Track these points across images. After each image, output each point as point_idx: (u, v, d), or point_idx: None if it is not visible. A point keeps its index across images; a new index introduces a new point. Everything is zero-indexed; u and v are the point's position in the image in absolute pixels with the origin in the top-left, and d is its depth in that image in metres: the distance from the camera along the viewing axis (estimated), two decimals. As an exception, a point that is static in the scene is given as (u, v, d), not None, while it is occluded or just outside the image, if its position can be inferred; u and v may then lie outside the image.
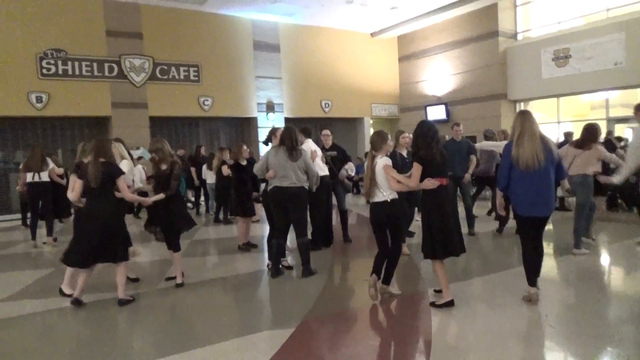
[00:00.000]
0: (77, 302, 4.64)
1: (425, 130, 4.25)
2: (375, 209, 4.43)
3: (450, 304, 4.22)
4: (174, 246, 5.21)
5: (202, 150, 11.89)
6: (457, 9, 14.33)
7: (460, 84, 15.47)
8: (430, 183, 4.14)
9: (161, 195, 5.02)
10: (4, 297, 5.16)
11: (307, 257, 5.52)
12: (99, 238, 4.51)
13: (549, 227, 6.55)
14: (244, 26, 14.72)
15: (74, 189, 4.85)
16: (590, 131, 6.09)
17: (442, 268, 4.27)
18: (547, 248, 6.32)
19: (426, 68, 16.69)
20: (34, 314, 4.56)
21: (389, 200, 4.35)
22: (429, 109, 16.20)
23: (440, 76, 16.12)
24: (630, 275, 5.45)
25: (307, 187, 5.52)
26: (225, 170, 8.65)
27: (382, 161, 4.37)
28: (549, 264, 5.66)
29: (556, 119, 13.81)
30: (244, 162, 7.27)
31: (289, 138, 5.48)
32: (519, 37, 14.63)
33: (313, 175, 5.54)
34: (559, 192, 8.50)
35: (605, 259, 6.28)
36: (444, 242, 4.16)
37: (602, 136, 8.10)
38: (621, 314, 4.09)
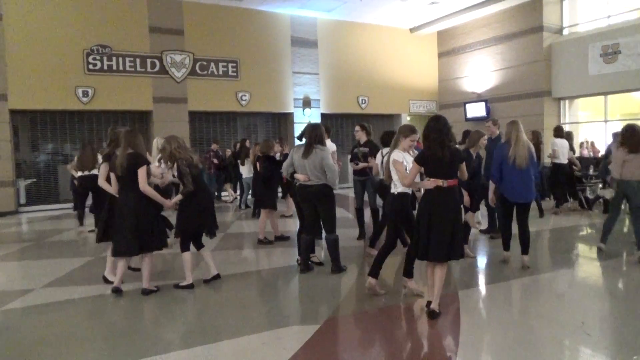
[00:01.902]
0: (116, 290, 4.81)
1: (440, 126, 4.03)
2: (387, 201, 4.69)
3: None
4: (195, 246, 5.20)
5: (247, 144, 11.49)
6: (500, 4, 13.91)
7: (502, 80, 15.04)
8: (429, 183, 4.03)
9: (179, 197, 4.96)
10: (48, 282, 5.42)
11: (336, 254, 5.52)
12: (133, 227, 4.64)
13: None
14: (282, 22, 14.81)
15: (106, 179, 5.02)
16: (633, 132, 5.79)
17: (440, 270, 4.07)
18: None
19: (466, 64, 16.31)
20: (75, 300, 4.77)
21: (395, 193, 4.45)
22: (468, 106, 15.86)
23: (481, 73, 15.72)
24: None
25: (328, 185, 5.36)
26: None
27: (394, 155, 4.40)
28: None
29: (603, 118, 13.23)
30: (275, 155, 7.47)
31: (308, 135, 5.44)
32: (565, 32, 14.07)
33: (331, 173, 5.31)
34: (607, 195, 8.65)
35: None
36: (420, 244, 4.08)
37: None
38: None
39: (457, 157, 4.10)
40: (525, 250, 5.52)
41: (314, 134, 5.38)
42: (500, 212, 5.80)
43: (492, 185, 5.66)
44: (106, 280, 5.25)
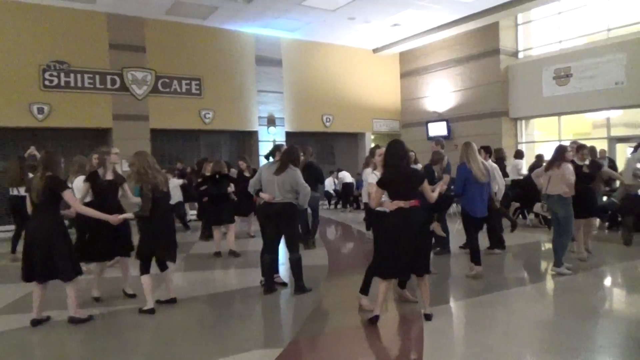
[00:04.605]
0: (36, 323, 4.50)
1: (396, 151, 4.34)
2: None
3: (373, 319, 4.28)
4: (159, 267, 5.06)
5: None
6: (459, 27, 14.39)
7: (462, 101, 15.48)
8: (391, 205, 4.25)
9: (129, 215, 4.83)
10: (-8, 310, 5.11)
11: (299, 274, 5.45)
12: (45, 254, 4.33)
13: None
14: (246, 41, 14.83)
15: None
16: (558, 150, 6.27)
17: (384, 287, 4.33)
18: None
19: (428, 84, 16.73)
20: (17, 330, 4.49)
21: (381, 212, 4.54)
22: (430, 125, 16.21)
23: (442, 93, 16.15)
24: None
25: (295, 204, 5.38)
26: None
27: (369, 177, 4.78)
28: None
29: (557, 137, 13.78)
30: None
31: (286, 154, 5.47)
32: (520, 55, 14.67)
33: (305, 194, 5.38)
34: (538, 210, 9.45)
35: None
36: (389, 264, 4.25)
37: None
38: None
39: (416, 178, 4.34)
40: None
41: (292, 154, 5.46)
42: (466, 228, 6.19)
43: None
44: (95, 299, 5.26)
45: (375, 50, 17.19)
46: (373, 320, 4.28)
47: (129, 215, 4.84)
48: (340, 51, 16.48)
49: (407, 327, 4.39)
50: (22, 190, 7.32)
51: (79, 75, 12.42)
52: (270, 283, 5.54)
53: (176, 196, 10.55)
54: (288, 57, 15.57)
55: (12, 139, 12.38)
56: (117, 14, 12.73)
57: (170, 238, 4.98)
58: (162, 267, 5.02)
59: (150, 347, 4.10)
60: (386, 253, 4.24)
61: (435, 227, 6.51)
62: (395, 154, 4.31)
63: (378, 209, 4.53)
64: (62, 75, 12.21)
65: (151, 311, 4.75)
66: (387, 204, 4.27)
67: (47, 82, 12.04)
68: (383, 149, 4.77)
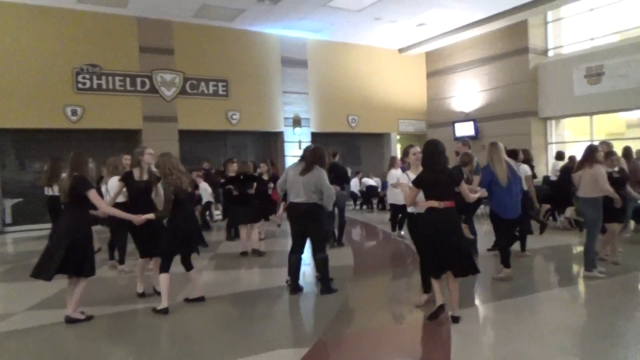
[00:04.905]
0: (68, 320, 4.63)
1: (431, 152, 4.37)
2: None
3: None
4: (184, 267, 5.13)
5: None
6: (486, 26, 14.18)
7: (489, 100, 15.25)
8: (424, 204, 4.34)
9: (150, 215, 4.87)
10: (30, 305, 5.31)
11: (326, 274, 5.48)
12: (66, 251, 4.44)
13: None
14: (272, 42, 14.95)
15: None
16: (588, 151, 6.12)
17: (437, 285, 4.40)
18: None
19: (454, 84, 16.54)
20: (55, 325, 4.64)
21: (414, 213, 4.68)
22: (457, 125, 16.03)
23: (469, 92, 15.94)
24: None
25: (321, 204, 5.39)
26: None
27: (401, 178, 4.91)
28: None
29: (589, 137, 13.44)
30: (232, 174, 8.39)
31: (311, 155, 5.52)
32: (550, 53, 14.36)
33: (329, 195, 5.37)
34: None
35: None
36: (431, 263, 4.36)
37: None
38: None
39: (452, 179, 4.37)
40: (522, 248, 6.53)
41: (317, 155, 5.47)
42: (496, 229, 6.10)
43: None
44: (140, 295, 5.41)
45: (400, 50, 17.10)
46: (438, 314, 4.32)
47: (150, 215, 4.88)
48: (365, 51, 16.45)
49: (433, 328, 4.36)
50: (56, 190, 7.57)
51: (110, 78, 12.76)
52: (296, 283, 5.58)
53: (206, 196, 10.76)
54: (313, 57, 15.63)
55: (48, 140, 12.80)
56: (146, 17, 13.03)
57: (193, 237, 5.02)
58: (187, 267, 5.07)
59: (178, 343, 4.18)
60: (427, 253, 4.36)
61: (463, 229, 6.47)
62: (431, 154, 4.34)
63: (410, 209, 4.59)
64: (94, 78, 12.56)
65: (164, 311, 4.76)
66: (422, 204, 4.32)
67: (80, 85, 12.41)
68: (417, 148, 4.81)
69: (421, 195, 4.40)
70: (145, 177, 5.24)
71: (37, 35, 11.97)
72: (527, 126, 14.09)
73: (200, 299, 5.17)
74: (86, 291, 4.77)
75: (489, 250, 7.50)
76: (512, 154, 7.11)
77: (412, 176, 4.67)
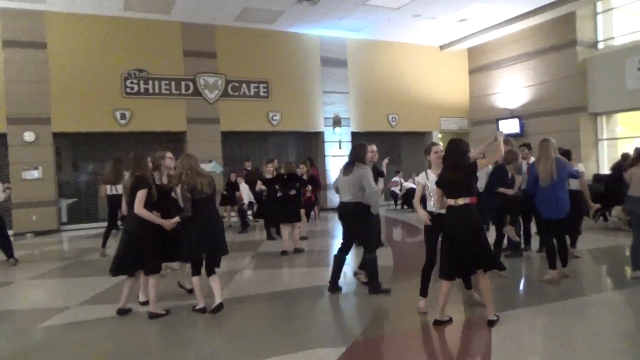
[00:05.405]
0: (122, 312, 4.87)
1: (452, 150, 4.31)
2: None
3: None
4: (206, 271, 4.94)
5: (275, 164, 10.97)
6: (531, 19, 13.72)
7: (535, 96, 14.77)
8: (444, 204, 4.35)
9: (176, 219, 4.85)
10: (83, 300, 5.60)
11: (373, 274, 5.47)
12: (130, 248, 4.71)
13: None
14: (312, 43, 15.06)
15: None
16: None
17: (445, 287, 4.29)
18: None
19: (498, 80, 16.11)
20: (107, 319, 4.89)
21: (434, 213, 4.61)
22: (501, 122, 15.60)
23: (513, 88, 15.49)
24: None
25: (365, 203, 5.35)
26: (259, 185, 9.38)
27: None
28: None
29: (643, 133, 12.80)
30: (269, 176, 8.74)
31: (351, 153, 5.60)
32: (600, 46, 13.75)
33: (370, 193, 5.29)
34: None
35: None
36: (445, 262, 4.26)
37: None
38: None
39: (471, 172, 4.28)
40: (563, 263, 5.81)
41: (356, 153, 5.50)
42: (539, 229, 6.05)
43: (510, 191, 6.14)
44: (189, 292, 5.50)
45: (442, 47, 16.82)
46: (436, 324, 4.26)
47: (177, 218, 4.87)
48: (405, 49, 16.29)
49: (474, 332, 4.30)
50: (119, 189, 7.88)
51: (156, 82, 13.22)
52: (335, 282, 5.59)
53: (247, 197, 10.97)
54: (353, 57, 15.62)
55: (99, 143, 13.43)
56: (190, 22, 13.41)
57: (215, 241, 4.85)
58: (208, 272, 4.88)
59: (219, 340, 4.29)
60: (443, 252, 4.28)
61: (509, 230, 6.34)
62: (452, 153, 4.29)
63: (428, 208, 4.65)
64: (141, 82, 13.06)
65: (202, 310, 4.85)
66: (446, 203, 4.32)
67: (128, 90, 12.93)
68: (439, 147, 4.75)
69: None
70: (164, 180, 5.17)
71: (89, 43, 12.56)
72: (575, 122, 13.56)
73: (219, 307, 4.85)
74: (131, 288, 4.96)
75: (538, 252, 7.28)
76: (565, 154, 6.90)
77: (432, 175, 4.61)
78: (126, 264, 4.77)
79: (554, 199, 5.58)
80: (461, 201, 4.16)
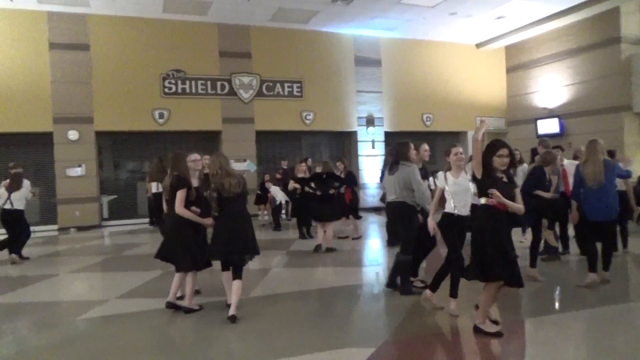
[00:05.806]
0: (170, 306, 4.99)
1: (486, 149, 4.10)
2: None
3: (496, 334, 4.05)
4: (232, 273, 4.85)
5: (309, 163, 11.12)
6: (571, 16, 13.30)
7: (576, 95, 14.30)
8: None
9: (209, 220, 4.84)
10: (122, 293, 5.81)
11: (406, 275, 5.45)
12: (172, 245, 4.92)
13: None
14: (345, 42, 15.05)
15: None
16: None
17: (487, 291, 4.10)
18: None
19: (537, 79, 15.68)
20: (144, 312, 5.06)
21: (454, 214, 4.57)
22: (539, 122, 15.19)
23: (553, 87, 15.04)
24: None
25: (410, 203, 5.31)
26: (291, 184, 9.49)
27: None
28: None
29: (693, 133, 12.21)
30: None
31: (394, 152, 5.56)
32: (647, 42, 13.19)
33: (418, 192, 5.24)
34: None
35: None
36: (479, 264, 4.02)
37: None
38: None
39: (472, 177, 4.19)
40: (606, 266, 5.58)
41: (399, 151, 5.46)
42: (583, 232, 5.82)
43: (573, 204, 5.73)
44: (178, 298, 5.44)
45: (478, 45, 16.51)
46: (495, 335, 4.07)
47: (209, 220, 4.89)
48: (440, 48, 16.08)
49: (506, 336, 4.21)
50: (161, 187, 8.11)
51: (193, 82, 13.53)
52: (393, 279, 5.57)
53: (279, 197, 11.09)
54: (387, 56, 15.53)
55: (138, 142, 13.86)
56: (226, 23, 13.65)
57: (241, 240, 4.71)
58: (234, 275, 4.74)
59: (249, 336, 4.35)
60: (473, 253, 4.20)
61: (547, 234, 6.19)
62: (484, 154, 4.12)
63: (447, 209, 4.62)
64: (179, 82, 13.38)
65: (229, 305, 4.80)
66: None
67: (166, 90, 13.28)
68: (459, 148, 4.64)
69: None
70: (195, 182, 5.09)
71: (129, 45, 12.97)
72: (619, 122, 13.05)
73: (231, 319, 4.59)
74: (163, 284, 5.08)
75: (578, 255, 7.07)
76: (609, 154, 6.73)
77: (451, 178, 4.53)
78: (196, 259, 4.85)
79: (603, 200, 5.40)
80: (483, 200, 4.05)
